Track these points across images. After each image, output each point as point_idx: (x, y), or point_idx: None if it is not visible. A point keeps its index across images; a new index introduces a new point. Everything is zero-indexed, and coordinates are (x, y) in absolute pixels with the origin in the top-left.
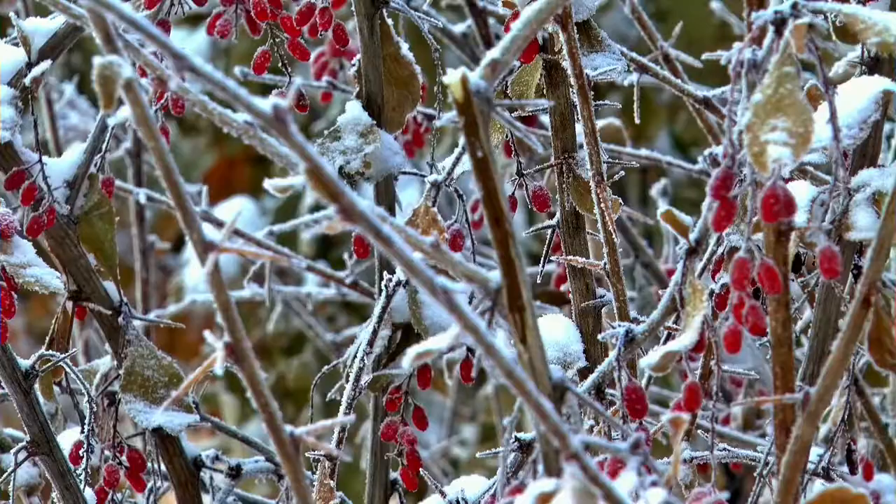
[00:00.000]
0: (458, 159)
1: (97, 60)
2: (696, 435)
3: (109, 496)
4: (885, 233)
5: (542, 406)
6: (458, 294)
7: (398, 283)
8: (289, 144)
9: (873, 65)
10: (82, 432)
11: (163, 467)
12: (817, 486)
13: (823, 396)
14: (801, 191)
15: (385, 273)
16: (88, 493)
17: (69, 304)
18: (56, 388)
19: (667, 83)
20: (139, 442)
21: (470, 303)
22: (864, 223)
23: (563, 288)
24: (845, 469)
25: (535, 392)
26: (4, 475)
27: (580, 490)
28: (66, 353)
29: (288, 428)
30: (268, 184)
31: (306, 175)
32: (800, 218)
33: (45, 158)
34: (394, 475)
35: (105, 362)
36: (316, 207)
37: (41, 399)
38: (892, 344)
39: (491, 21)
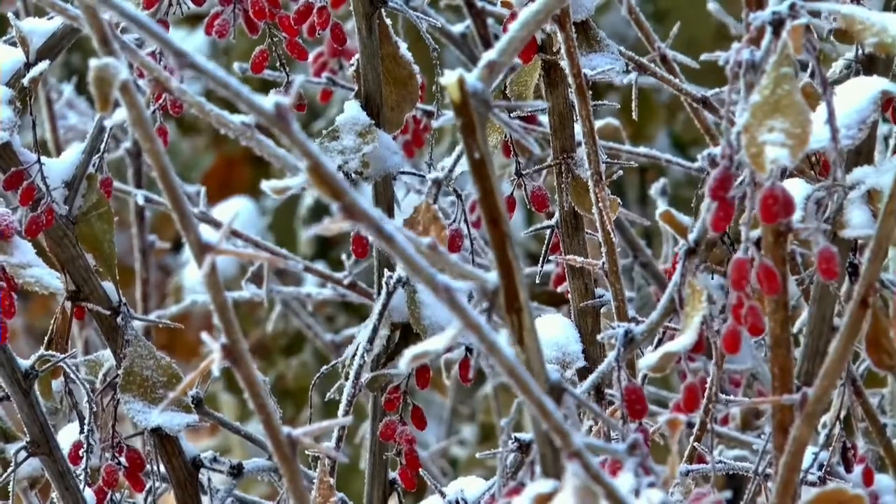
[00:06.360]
0: (458, 158)
1: (93, 62)
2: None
3: (108, 496)
4: (883, 233)
5: (544, 404)
6: (459, 292)
7: (398, 281)
8: (291, 142)
9: (868, 63)
10: (81, 432)
11: (162, 468)
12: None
13: (821, 397)
14: (796, 189)
15: (385, 272)
16: (88, 493)
17: (68, 305)
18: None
19: (665, 82)
20: (138, 442)
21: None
22: (858, 221)
23: (561, 288)
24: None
25: (537, 390)
26: (5, 475)
27: (582, 488)
28: (66, 354)
29: (285, 429)
30: (265, 185)
31: (308, 173)
32: (795, 216)
33: (43, 159)
34: (393, 475)
35: (108, 356)
36: (316, 207)
37: (41, 399)
38: (889, 345)
39: (489, 21)
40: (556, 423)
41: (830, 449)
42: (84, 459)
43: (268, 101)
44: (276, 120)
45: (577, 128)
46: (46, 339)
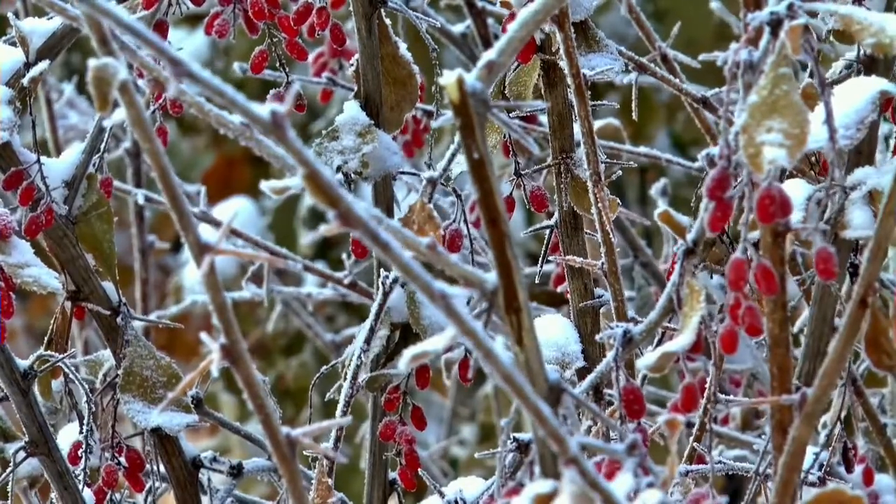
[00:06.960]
0: (453, 156)
1: (92, 62)
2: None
3: (108, 496)
4: (882, 233)
5: (539, 410)
6: (455, 298)
7: (395, 281)
8: (287, 150)
9: (868, 63)
10: (81, 432)
11: (161, 468)
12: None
13: (820, 397)
14: (797, 189)
15: (383, 272)
16: (87, 493)
17: (68, 305)
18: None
19: (665, 82)
20: (138, 442)
21: (468, 303)
22: (859, 221)
23: (560, 288)
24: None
25: (532, 396)
26: (4, 475)
27: (578, 494)
28: (65, 354)
29: (284, 429)
30: (264, 185)
31: (304, 180)
32: (795, 217)
33: (43, 158)
34: (393, 475)
35: (108, 356)
36: (315, 207)
37: (40, 399)
38: (889, 345)
39: (490, 21)
40: (553, 429)
41: (830, 449)
42: (83, 459)
43: (263, 109)
44: (273, 128)
45: (577, 128)
46: (46, 339)
